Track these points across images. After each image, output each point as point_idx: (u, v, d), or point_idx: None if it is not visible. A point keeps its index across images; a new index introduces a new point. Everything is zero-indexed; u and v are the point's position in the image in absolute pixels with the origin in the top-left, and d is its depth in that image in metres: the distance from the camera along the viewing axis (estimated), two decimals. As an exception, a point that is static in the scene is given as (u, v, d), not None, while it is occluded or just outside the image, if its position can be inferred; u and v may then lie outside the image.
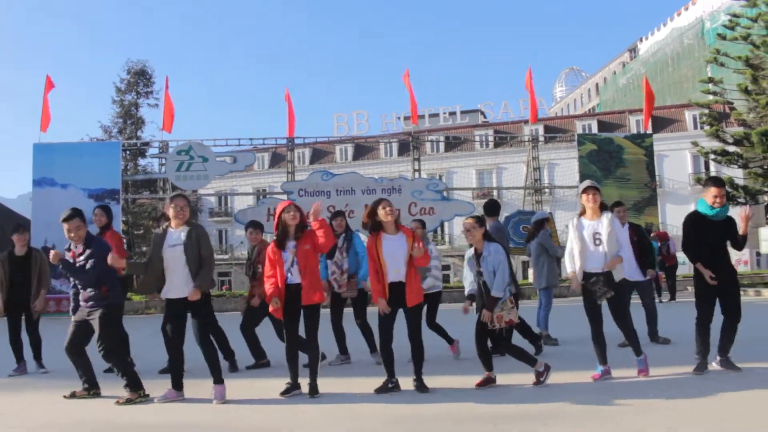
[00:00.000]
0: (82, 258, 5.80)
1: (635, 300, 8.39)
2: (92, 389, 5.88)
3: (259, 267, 7.09)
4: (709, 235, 6.15)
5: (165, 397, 5.58)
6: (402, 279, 5.70)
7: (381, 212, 5.72)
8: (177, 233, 5.67)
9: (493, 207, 8.22)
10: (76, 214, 5.88)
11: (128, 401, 5.58)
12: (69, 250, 5.92)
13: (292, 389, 5.67)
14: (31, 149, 19.63)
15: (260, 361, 7.39)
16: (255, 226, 7.70)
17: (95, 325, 5.74)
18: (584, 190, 6.09)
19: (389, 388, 5.68)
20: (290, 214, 5.65)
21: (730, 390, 5.36)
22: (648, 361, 6.15)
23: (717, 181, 6.25)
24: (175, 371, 5.68)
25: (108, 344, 5.75)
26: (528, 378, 5.90)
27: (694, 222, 6.27)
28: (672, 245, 16.52)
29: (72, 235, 5.85)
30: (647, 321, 8.45)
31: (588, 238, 6.01)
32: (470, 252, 6.08)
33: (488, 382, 5.83)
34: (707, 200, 6.17)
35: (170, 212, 5.71)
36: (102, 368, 6.21)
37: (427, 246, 7.54)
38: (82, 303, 5.84)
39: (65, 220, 5.84)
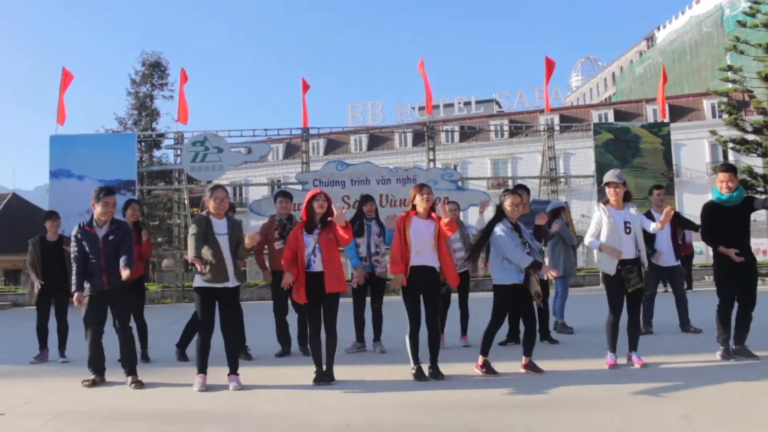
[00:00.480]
0: (112, 237, 5.87)
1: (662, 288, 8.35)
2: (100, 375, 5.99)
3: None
4: (727, 222, 6.11)
5: (202, 384, 5.59)
6: (424, 263, 5.73)
7: (418, 198, 5.82)
8: (221, 223, 5.73)
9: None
10: (114, 190, 6.12)
11: (139, 384, 5.75)
12: (89, 227, 5.91)
13: (320, 377, 5.68)
14: (48, 141, 19.80)
15: (285, 349, 7.40)
16: (285, 195, 7.67)
17: (116, 302, 5.89)
18: (607, 184, 6.07)
19: (423, 373, 5.69)
20: (319, 203, 5.75)
21: (749, 378, 5.30)
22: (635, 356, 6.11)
23: (725, 167, 6.28)
24: (205, 357, 5.73)
25: (125, 317, 5.98)
26: (546, 365, 5.89)
27: (710, 210, 6.26)
28: (688, 234, 16.34)
29: (107, 210, 5.91)
30: (678, 309, 8.36)
31: (619, 226, 5.98)
32: (504, 225, 5.89)
33: (534, 367, 5.86)
34: (717, 187, 6.17)
35: (211, 204, 5.73)
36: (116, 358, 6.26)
37: (463, 229, 7.82)
38: (95, 284, 5.84)
39: (110, 193, 5.96)
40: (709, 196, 6.41)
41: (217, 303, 5.75)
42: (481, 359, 5.89)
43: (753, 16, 24.03)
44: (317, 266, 5.68)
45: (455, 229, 6.18)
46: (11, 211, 40.36)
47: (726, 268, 6.15)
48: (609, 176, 6.11)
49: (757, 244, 36.77)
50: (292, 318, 7.37)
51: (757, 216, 37.79)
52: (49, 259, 7.63)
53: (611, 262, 5.95)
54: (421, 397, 5.12)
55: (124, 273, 5.70)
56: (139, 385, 5.76)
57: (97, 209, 5.93)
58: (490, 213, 6.33)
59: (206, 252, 5.56)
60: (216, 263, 5.61)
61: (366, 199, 7.62)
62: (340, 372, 5.78)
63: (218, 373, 5.76)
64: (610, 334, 6.07)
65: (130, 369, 5.90)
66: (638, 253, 6.01)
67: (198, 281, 5.71)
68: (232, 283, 5.71)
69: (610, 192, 6.06)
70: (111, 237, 5.88)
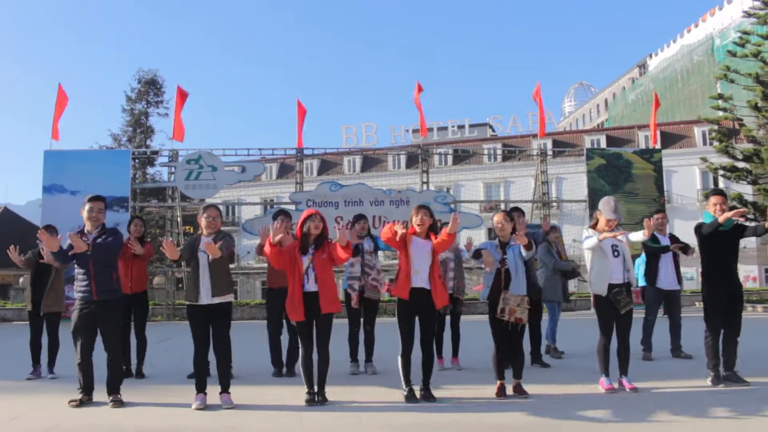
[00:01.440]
0: (100, 240, 5.84)
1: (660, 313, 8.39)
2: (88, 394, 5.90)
3: None
4: (717, 246, 6.19)
5: (201, 403, 5.57)
6: (422, 285, 5.76)
7: (414, 219, 5.88)
8: (208, 240, 5.74)
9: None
10: (102, 198, 6.08)
11: (119, 403, 5.68)
12: (81, 233, 5.88)
13: (313, 398, 5.65)
14: (41, 156, 19.78)
15: (279, 370, 7.38)
16: (285, 214, 7.66)
17: (104, 320, 5.80)
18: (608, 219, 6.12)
19: (414, 394, 5.68)
20: (314, 223, 5.76)
21: (740, 404, 5.32)
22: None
23: (717, 191, 6.42)
24: (202, 375, 5.74)
25: (113, 338, 5.87)
26: (537, 389, 5.90)
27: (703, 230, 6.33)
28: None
29: (93, 215, 5.90)
30: (671, 333, 8.40)
31: (608, 249, 6.06)
32: (491, 242, 6.12)
33: (521, 391, 5.85)
34: (710, 211, 6.26)
35: (202, 222, 5.81)
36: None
37: (457, 251, 7.77)
38: (83, 294, 5.78)
39: (94, 199, 5.97)
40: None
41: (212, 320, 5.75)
42: (498, 384, 5.87)
43: (743, 46, 24.41)
44: (311, 286, 5.67)
45: (453, 238, 6.18)
46: (2, 225, 40.11)
47: (714, 294, 6.24)
48: (609, 213, 6.12)
49: (746, 271, 37.01)
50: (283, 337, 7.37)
51: (747, 243, 38.01)
52: (42, 273, 7.60)
53: (602, 282, 6.02)
54: (412, 419, 5.12)
55: (81, 245, 5.63)
56: (118, 403, 5.68)
57: (83, 215, 5.96)
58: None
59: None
60: (192, 280, 5.73)
61: (358, 217, 7.67)
62: (331, 393, 5.77)
63: (210, 391, 5.74)
64: (602, 357, 6.10)
65: (112, 388, 5.81)
66: (627, 275, 6.08)
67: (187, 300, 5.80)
68: (211, 300, 5.69)
69: (607, 224, 6.11)
70: (99, 240, 5.84)
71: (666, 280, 8.32)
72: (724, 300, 6.19)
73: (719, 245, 6.21)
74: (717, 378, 6.15)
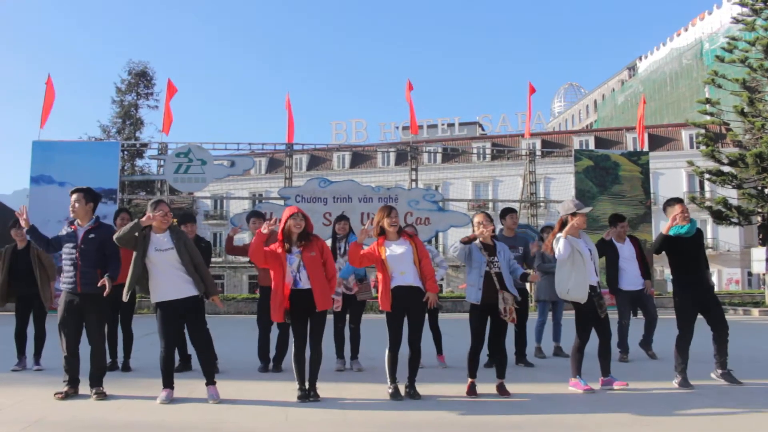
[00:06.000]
0: (92, 236, 5.86)
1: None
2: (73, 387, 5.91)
3: None
4: (684, 254, 6.37)
5: (166, 398, 5.60)
6: (411, 283, 5.81)
7: (386, 221, 5.89)
8: (163, 237, 5.70)
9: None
10: (83, 190, 6.02)
11: (102, 396, 5.72)
12: (72, 225, 5.91)
13: (305, 394, 5.68)
14: (29, 145, 19.69)
15: (265, 365, 7.42)
16: (258, 215, 7.70)
17: (90, 311, 5.82)
18: (575, 214, 6.17)
19: (399, 392, 5.74)
20: (295, 222, 5.70)
21: (713, 405, 5.44)
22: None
23: (678, 200, 6.55)
24: (170, 370, 5.76)
25: (97, 329, 5.89)
26: (520, 388, 5.97)
27: (667, 243, 6.44)
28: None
29: (72, 209, 5.90)
30: (646, 327, 8.51)
31: (585, 252, 6.13)
32: (474, 244, 6.07)
33: (503, 390, 5.91)
34: (678, 220, 6.34)
35: (157, 217, 5.65)
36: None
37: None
38: (69, 285, 5.81)
39: (75, 191, 5.96)
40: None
41: (184, 315, 5.77)
42: (469, 381, 5.94)
43: (731, 51, 24.65)
44: (304, 284, 5.65)
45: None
46: (-13, 215, 39.72)
47: (683, 300, 6.36)
48: (580, 205, 6.21)
49: (729, 273, 37.40)
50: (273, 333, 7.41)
51: (730, 246, 38.37)
52: (20, 266, 7.55)
53: (582, 289, 6.06)
54: (396, 417, 5.17)
55: (107, 283, 5.67)
56: (101, 396, 5.71)
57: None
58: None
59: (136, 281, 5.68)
60: (157, 281, 5.68)
61: (339, 218, 7.69)
62: (317, 389, 5.81)
63: (198, 385, 5.77)
64: (577, 360, 6.16)
65: (95, 381, 5.83)
66: (597, 277, 6.21)
67: (157, 297, 5.71)
68: (187, 293, 5.68)
69: (581, 222, 6.15)
70: (91, 235, 5.86)
71: (630, 280, 8.26)
72: (694, 305, 6.32)
73: (685, 252, 6.35)
74: (684, 381, 6.23)
